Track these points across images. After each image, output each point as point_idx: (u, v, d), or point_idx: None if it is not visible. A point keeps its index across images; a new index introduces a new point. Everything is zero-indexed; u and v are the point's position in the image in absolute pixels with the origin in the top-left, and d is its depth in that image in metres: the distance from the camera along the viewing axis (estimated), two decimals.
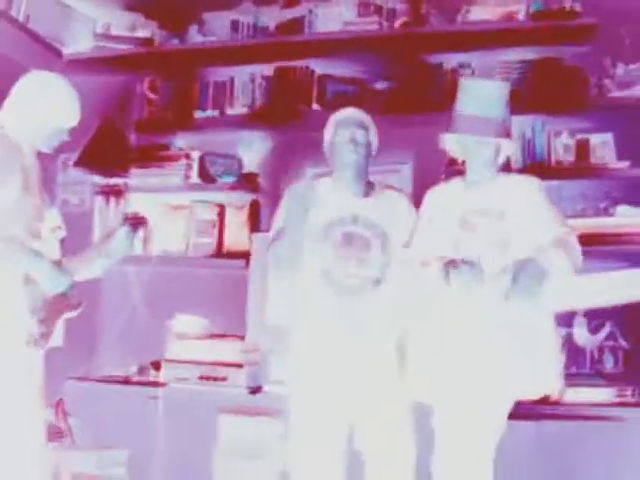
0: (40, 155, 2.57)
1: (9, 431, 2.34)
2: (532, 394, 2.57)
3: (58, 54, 4.01)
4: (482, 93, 2.59)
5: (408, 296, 2.64)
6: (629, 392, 3.16)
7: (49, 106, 2.51)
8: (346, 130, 2.77)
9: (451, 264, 2.39)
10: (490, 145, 2.57)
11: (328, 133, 2.84)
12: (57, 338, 2.53)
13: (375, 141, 2.83)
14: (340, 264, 2.68)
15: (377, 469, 2.68)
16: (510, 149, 2.65)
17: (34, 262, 2.35)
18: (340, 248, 2.69)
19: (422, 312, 2.59)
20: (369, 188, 2.83)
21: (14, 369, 2.36)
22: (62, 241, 2.58)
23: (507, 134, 2.58)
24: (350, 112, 2.86)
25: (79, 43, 4.11)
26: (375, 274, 2.68)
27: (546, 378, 2.49)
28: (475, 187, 2.61)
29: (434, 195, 2.71)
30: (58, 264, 2.46)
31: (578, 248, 2.43)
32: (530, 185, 2.60)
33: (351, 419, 2.69)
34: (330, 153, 2.83)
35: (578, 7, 3.57)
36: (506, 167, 2.77)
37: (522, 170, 2.83)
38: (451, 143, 2.67)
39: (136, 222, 2.74)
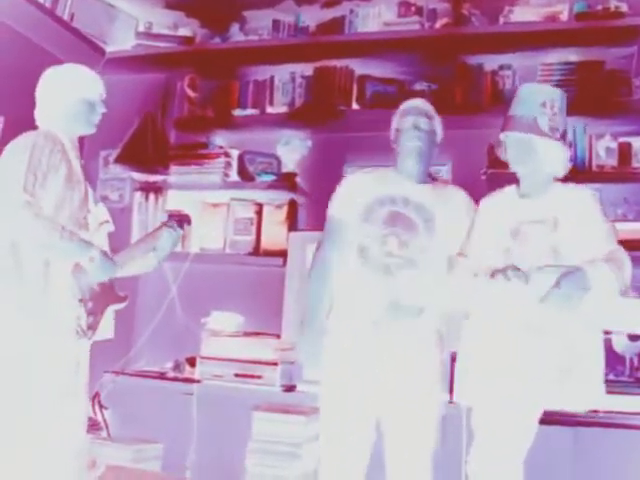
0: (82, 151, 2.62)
1: (53, 419, 2.37)
2: (573, 407, 2.53)
3: (101, 52, 4.06)
4: (520, 95, 2.62)
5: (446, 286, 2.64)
6: None
7: (69, 83, 2.56)
8: (410, 117, 2.82)
9: (499, 271, 2.39)
10: (519, 142, 2.54)
11: (394, 121, 2.88)
12: (109, 330, 2.57)
13: (440, 130, 2.86)
14: (381, 241, 2.69)
15: (396, 461, 2.68)
16: (556, 154, 2.58)
17: (84, 251, 2.39)
18: (384, 225, 2.71)
19: (470, 317, 2.59)
20: (429, 178, 2.88)
21: (62, 358, 2.40)
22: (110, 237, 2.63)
23: (537, 131, 2.52)
24: (416, 101, 2.93)
25: (122, 41, 4.16)
26: (413, 256, 2.67)
27: (589, 393, 2.45)
28: (529, 196, 2.59)
29: (488, 204, 2.70)
30: (106, 254, 2.50)
31: (629, 265, 2.39)
32: (585, 196, 2.56)
33: (380, 406, 2.69)
34: (395, 140, 2.87)
35: (624, 7, 3.52)
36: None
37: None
38: (500, 152, 2.68)
39: (180, 220, 2.77)
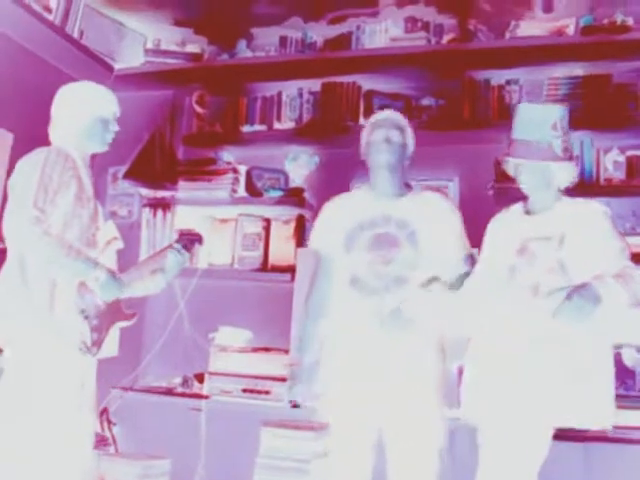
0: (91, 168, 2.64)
1: (59, 436, 2.37)
2: (584, 425, 2.49)
3: (110, 69, 4.09)
4: (527, 117, 2.57)
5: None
6: None
7: (84, 101, 2.57)
8: (381, 130, 2.78)
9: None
10: (535, 169, 2.53)
11: (364, 134, 2.85)
12: (113, 348, 2.56)
13: (411, 143, 2.82)
14: (369, 266, 2.67)
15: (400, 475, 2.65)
16: (568, 173, 2.58)
17: (90, 270, 2.39)
18: (370, 250, 2.68)
19: (477, 332, 2.58)
20: (406, 189, 2.82)
21: (67, 374, 2.40)
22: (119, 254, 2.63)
23: (553, 157, 2.51)
24: (386, 114, 2.88)
25: (130, 58, 4.19)
26: (401, 273, 2.65)
27: (601, 412, 2.42)
28: (535, 213, 2.58)
29: (495, 223, 2.70)
30: (113, 273, 2.50)
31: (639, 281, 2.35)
32: (594, 212, 2.52)
33: (381, 423, 2.67)
34: (366, 154, 2.83)
35: (630, 21, 3.52)
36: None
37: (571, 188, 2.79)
38: (509, 169, 2.66)
39: (191, 240, 2.77)
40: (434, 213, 2.75)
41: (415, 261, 2.66)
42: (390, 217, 2.72)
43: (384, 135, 2.76)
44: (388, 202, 2.76)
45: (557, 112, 2.58)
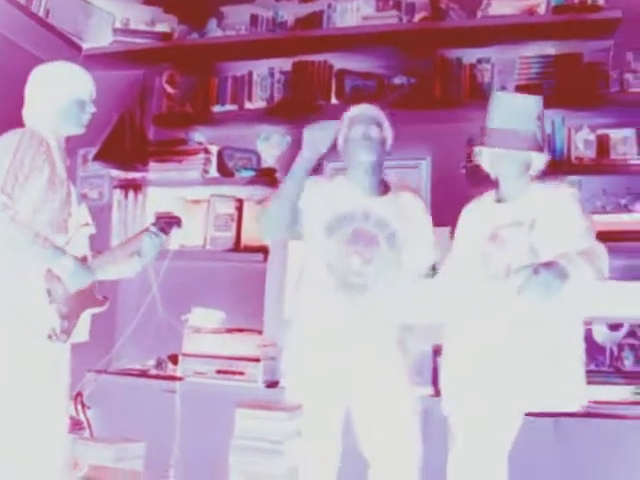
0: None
1: (32, 422, 2.35)
2: (557, 408, 2.54)
3: (78, 49, 4.03)
4: (511, 107, 2.57)
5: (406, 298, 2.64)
6: None
7: (61, 82, 2.53)
8: (360, 126, 2.72)
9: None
10: (517, 159, 2.55)
11: (342, 130, 2.76)
12: (83, 333, 2.54)
13: (390, 138, 2.77)
14: (345, 260, 2.65)
15: (379, 468, 2.66)
16: (542, 162, 2.61)
17: (57, 258, 2.36)
18: (347, 244, 2.66)
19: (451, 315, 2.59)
20: (384, 187, 2.78)
21: (37, 362, 2.37)
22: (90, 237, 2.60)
23: (538, 147, 2.55)
24: (363, 108, 2.79)
25: (98, 38, 4.13)
26: (377, 272, 2.64)
27: (573, 393, 2.46)
28: (507, 200, 2.60)
29: (468, 212, 2.72)
30: (83, 260, 2.48)
31: (605, 258, 2.37)
32: (563, 194, 2.55)
33: (348, 413, 2.68)
34: (344, 150, 2.78)
35: (600, 1, 3.54)
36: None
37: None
38: (483, 157, 2.66)
39: (169, 223, 2.75)
40: (411, 216, 2.74)
41: (392, 261, 2.66)
42: (369, 214, 2.69)
43: (363, 131, 2.70)
44: (367, 199, 2.72)
45: (539, 103, 2.60)
